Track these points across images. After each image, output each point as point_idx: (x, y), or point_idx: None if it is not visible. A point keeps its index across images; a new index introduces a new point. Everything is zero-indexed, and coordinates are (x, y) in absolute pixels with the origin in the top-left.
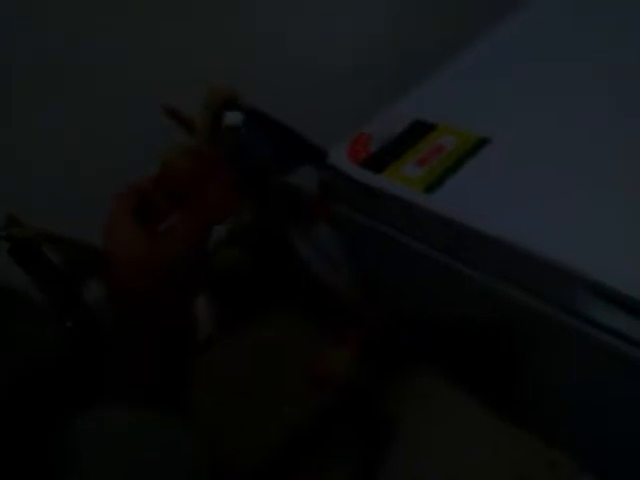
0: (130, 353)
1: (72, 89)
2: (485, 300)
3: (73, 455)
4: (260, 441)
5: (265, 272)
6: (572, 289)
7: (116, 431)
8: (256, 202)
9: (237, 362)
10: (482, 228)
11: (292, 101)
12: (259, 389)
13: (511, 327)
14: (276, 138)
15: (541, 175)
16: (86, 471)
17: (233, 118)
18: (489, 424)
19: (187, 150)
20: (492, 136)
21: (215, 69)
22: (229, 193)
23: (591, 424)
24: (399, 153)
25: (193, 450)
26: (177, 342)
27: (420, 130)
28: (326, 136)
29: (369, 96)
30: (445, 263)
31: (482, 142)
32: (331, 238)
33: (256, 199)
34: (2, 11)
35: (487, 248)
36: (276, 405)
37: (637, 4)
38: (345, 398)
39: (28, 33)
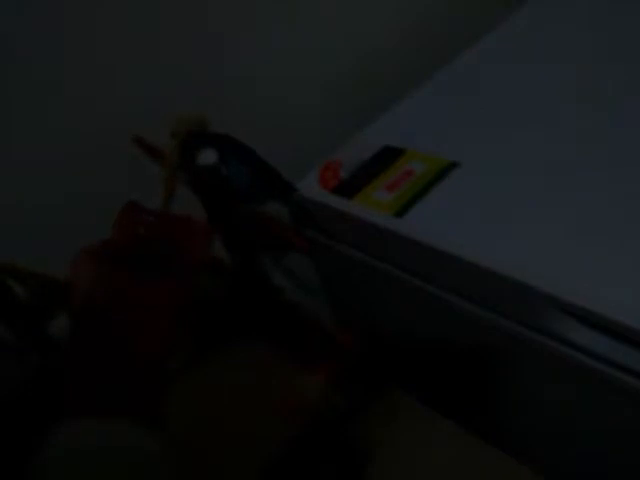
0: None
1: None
2: (458, 322)
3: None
4: (234, 472)
5: (238, 299)
6: (543, 309)
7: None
8: (229, 230)
9: (208, 390)
10: (451, 251)
11: (263, 134)
12: (232, 418)
13: (484, 347)
14: (253, 169)
15: (508, 198)
16: None
17: (208, 157)
18: (465, 445)
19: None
20: (461, 160)
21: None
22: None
23: (565, 444)
24: (369, 179)
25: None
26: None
27: (389, 155)
28: (296, 165)
29: (338, 124)
30: (417, 286)
31: (451, 166)
32: (305, 265)
33: (229, 227)
34: None
35: (457, 270)
36: (249, 434)
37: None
38: (319, 425)
39: None
